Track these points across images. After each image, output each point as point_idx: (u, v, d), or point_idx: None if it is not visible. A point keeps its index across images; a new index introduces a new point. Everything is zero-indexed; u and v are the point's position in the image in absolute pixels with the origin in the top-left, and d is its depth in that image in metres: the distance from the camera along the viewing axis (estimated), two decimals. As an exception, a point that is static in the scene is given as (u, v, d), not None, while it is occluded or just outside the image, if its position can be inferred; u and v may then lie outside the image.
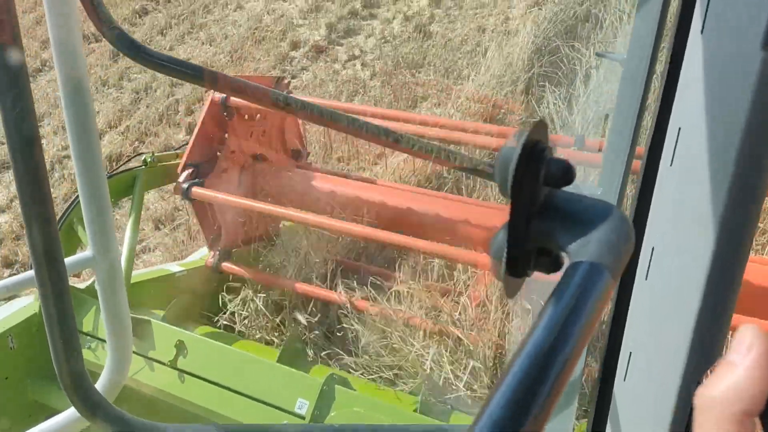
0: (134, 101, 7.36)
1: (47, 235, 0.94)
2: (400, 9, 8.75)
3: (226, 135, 3.44)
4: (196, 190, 3.23)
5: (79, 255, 1.22)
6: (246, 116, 3.49)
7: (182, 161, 3.30)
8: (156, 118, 6.94)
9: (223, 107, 3.33)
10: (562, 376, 0.37)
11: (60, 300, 0.97)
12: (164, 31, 8.71)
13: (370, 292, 3.22)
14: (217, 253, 3.46)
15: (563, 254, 0.46)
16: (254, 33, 8.35)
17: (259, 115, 3.54)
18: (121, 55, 7.73)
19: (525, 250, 0.46)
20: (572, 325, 0.38)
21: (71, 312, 1.00)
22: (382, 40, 8.09)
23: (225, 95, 3.25)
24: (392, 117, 3.90)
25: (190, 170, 3.28)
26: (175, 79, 7.29)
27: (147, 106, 7.19)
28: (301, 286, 3.28)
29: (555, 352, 0.37)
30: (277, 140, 3.78)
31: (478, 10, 8.50)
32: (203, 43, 8.41)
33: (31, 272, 1.04)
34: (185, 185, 3.23)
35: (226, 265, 3.44)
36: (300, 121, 3.93)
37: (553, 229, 0.44)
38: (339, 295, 3.18)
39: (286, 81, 3.67)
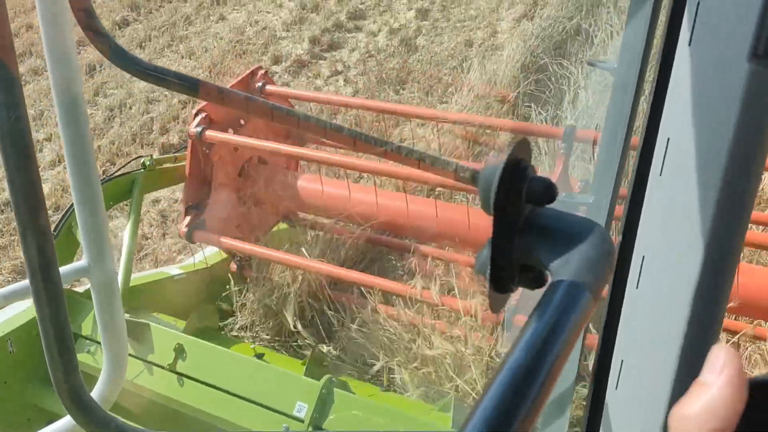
0: (108, 119, 7.00)
1: (42, 245, 0.94)
2: (386, 21, 8.49)
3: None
4: (211, 134, 3.16)
5: (74, 264, 1.22)
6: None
7: (196, 110, 3.24)
8: (129, 137, 6.59)
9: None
10: (541, 395, 0.37)
11: (55, 310, 0.97)
12: (143, 44, 8.33)
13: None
14: (195, 220, 3.32)
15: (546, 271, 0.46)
16: (235, 46, 8.10)
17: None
18: (98, 70, 7.45)
19: (509, 266, 0.46)
20: (552, 343, 0.39)
21: (66, 322, 1.01)
22: (367, 54, 7.80)
23: (200, 130, 3.19)
24: (391, 110, 3.95)
25: (204, 115, 3.21)
26: (151, 96, 7.10)
27: (121, 124, 6.84)
28: (296, 261, 3.25)
29: (534, 371, 0.38)
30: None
31: (466, 23, 8.26)
32: (183, 57, 8.06)
33: (26, 282, 1.04)
34: (198, 128, 3.16)
35: (199, 234, 3.31)
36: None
37: (536, 246, 0.45)
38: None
39: (262, 71, 3.59)
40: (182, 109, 6.86)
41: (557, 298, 0.40)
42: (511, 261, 0.46)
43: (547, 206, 0.46)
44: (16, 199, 0.92)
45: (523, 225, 0.45)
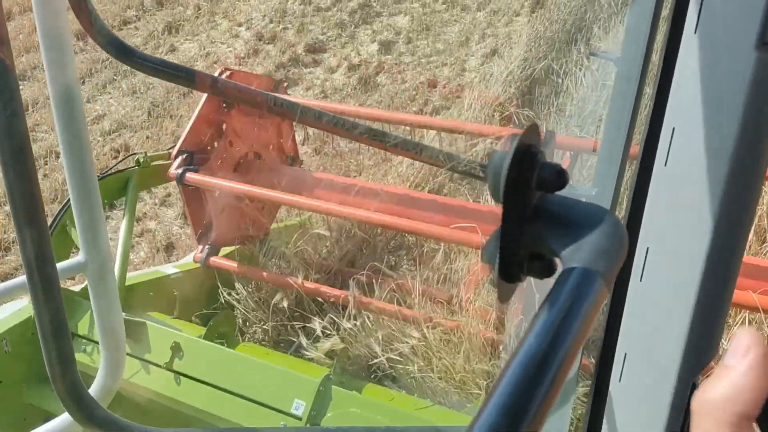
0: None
1: (39, 241, 0.93)
2: (347, 55, 7.79)
3: (224, 126, 3.39)
4: (191, 176, 3.16)
5: (71, 260, 1.21)
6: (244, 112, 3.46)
7: (176, 147, 3.23)
8: (49, 195, 5.66)
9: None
10: (556, 381, 0.37)
11: (52, 305, 0.96)
12: (85, 79, 7.53)
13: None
14: (206, 247, 3.38)
15: (556, 259, 0.45)
16: None
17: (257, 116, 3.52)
18: (32, 110, 6.77)
19: (518, 255, 0.45)
20: (565, 331, 0.38)
21: (64, 317, 0.99)
22: (322, 95, 7.14)
23: (181, 173, 3.17)
24: (387, 119, 3.92)
25: (184, 156, 3.20)
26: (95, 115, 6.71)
27: (43, 176, 5.91)
28: (296, 283, 3.26)
29: (548, 359, 0.37)
30: (275, 142, 3.77)
31: (432, 58, 7.62)
32: (124, 95, 7.34)
33: (22, 277, 1.03)
34: (179, 171, 3.16)
35: (214, 260, 3.37)
36: (293, 131, 3.90)
37: (546, 234, 0.44)
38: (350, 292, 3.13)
39: (285, 84, 3.64)
40: (114, 158, 6.13)
41: (570, 285, 0.40)
42: (520, 249, 0.45)
43: (557, 193, 0.45)
44: (12, 194, 0.91)
45: (533, 212, 0.45)
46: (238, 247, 3.63)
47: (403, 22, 8.45)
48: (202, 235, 3.43)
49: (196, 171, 3.22)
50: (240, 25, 8.65)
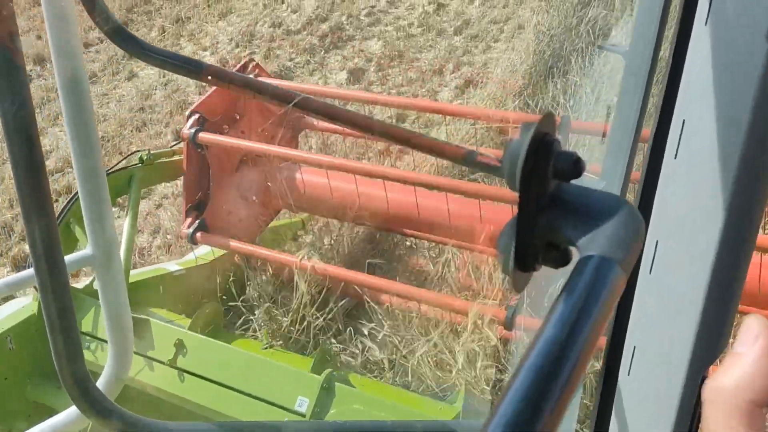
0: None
1: (47, 233, 0.93)
2: (314, 84, 7.26)
3: (238, 117, 3.38)
4: (204, 136, 3.13)
5: (79, 253, 1.22)
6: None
7: (191, 108, 3.20)
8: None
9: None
10: (575, 372, 0.36)
11: (60, 297, 0.96)
12: (39, 107, 6.88)
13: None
14: (196, 222, 3.30)
15: (572, 248, 0.45)
16: (137, 114, 6.83)
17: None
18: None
19: (533, 244, 0.45)
20: (584, 320, 0.38)
21: (72, 309, 1.00)
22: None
23: (194, 132, 3.16)
24: (404, 105, 3.94)
25: (197, 116, 3.18)
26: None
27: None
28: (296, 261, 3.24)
29: (568, 349, 0.37)
30: (279, 142, 3.76)
31: (403, 89, 7.15)
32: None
33: (30, 270, 1.03)
34: (192, 130, 3.14)
35: (202, 235, 3.29)
36: (298, 131, 3.89)
37: (562, 222, 0.44)
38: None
39: (253, 63, 3.57)
40: (56, 201, 5.68)
41: (587, 274, 0.40)
42: (535, 238, 0.45)
43: (573, 182, 0.45)
44: (20, 187, 0.92)
45: (549, 201, 0.45)
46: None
47: (376, 47, 8.04)
48: (192, 209, 3.33)
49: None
50: (205, 49, 8.11)
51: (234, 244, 3.25)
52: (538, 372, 0.36)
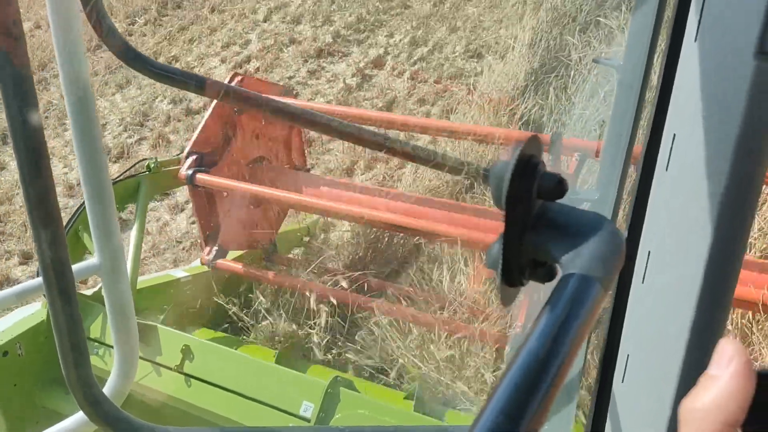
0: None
1: (55, 243, 0.95)
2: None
3: (235, 130, 3.41)
4: (201, 177, 3.18)
5: (86, 262, 1.24)
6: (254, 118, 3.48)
7: (186, 149, 3.26)
8: None
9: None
10: (554, 385, 0.38)
11: (68, 306, 0.98)
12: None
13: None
14: (214, 249, 3.40)
15: (557, 264, 0.47)
16: None
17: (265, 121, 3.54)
18: None
19: (520, 260, 0.47)
20: (564, 336, 0.40)
21: (79, 318, 1.02)
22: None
23: (191, 173, 3.20)
24: (400, 123, 3.96)
25: (194, 157, 3.23)
26: None
27: None
28: (308, 285, 3.28)
29: (547, 363, 0.38)
30: (282, 149, 3.79)
31: None
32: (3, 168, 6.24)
33: (39, 279, 1.05)
34: (189, 172, 3.19)
35: (221, 263, 3.39)
36: (302, 139, 3.92)
37: (547, 240, 0.46)
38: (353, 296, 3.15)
39: (239, 78, 3.61)
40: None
41: (569, 291, 0.41)
42: (522, 255, 0.47)
43: (557, 201, 0.47)
44: (28, 197, 0.93)
45: (534, 220, 0.46)
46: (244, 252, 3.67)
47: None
48: (209, 237, 3.44)
49: (206, 172, 3.25)
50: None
51: (252, 272, 3.39)
52: (518, 386, 0.37)
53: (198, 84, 1.03)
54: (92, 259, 1.23)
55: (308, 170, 4.09)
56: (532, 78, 5.77)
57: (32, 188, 0.94)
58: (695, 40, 0.67)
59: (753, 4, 0.60)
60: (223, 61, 7.79)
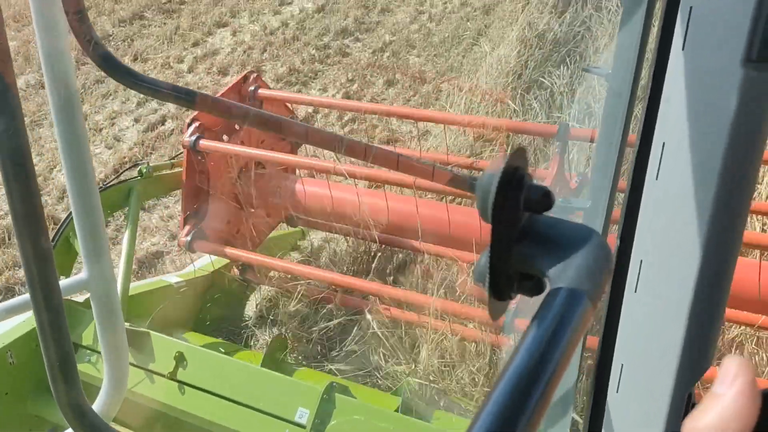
0: None
1: (42, 259, 0.94)
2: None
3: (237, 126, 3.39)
4: (205, 143, 3.14)
5: (75, 277, 1.22)
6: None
7: (190, 116, 3.22)
8: None
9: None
10: (543, 400, 0.38)
11: (56, 325, 0.97)
12: None
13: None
14: (194, 231, 3.28)
15: (545, 278, 0.46)
16: None
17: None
18: None
19: (508, 274, 0.47)
20: (552, 350, 0.39)
21: (67, 336, 1.00)
22: None
23: (194, 139, 3.17)
24: (394, 113, 3.98)
25: (197, 124, 3.19)
26: None
27: None
28: (297, 269, 3.26)
29: (536, 379, 0.38)
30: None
31: None
32: None
33: (26, 296, 1.04)
34: (192, 137, 3.14)
35: (200, 244, 3.29)
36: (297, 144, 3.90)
37: (534, 254, 0.45)
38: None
39: (254, 75, 3.58)
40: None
41: (556, 306, 0.41)
42: (509, 268, 0.46)
43: (545, 213, 0.46)
44: (15, 213, 0.92)
45: (521, 233, 0.46)
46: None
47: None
48: (189, 217, 3.31)
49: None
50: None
51: (230, 251, 3.25)
52: (506, 401, 0.37)
53: (186, 97, 1.02)
54: (81, 275, 1.21)
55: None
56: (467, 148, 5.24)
57: (19, 206, 0.93)
58: (683, 49, 0.67)
59: (739, 13, 0.60)
60: (136, 120, 6.71)
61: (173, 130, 6.51)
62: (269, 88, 3.77)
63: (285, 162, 3.36)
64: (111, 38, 8.12)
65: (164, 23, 8.61)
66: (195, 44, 8.13)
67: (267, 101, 3.56)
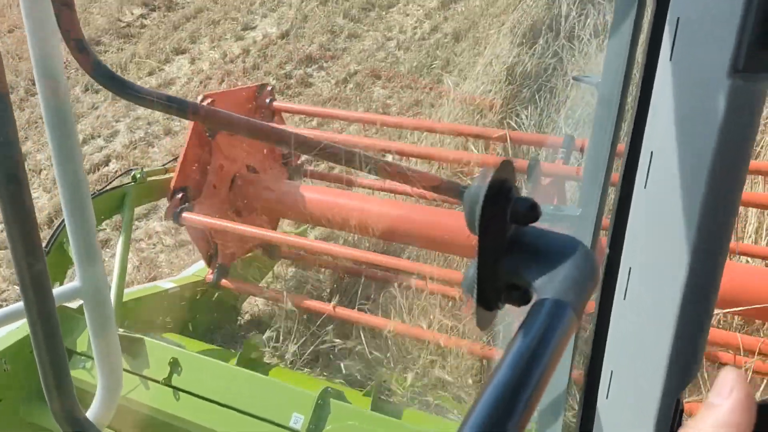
0: None
1: (35, 267, 0.94)
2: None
3: (210, 156, 3.44)
4: (187, 216, 3.24)
5: (68, 285, 1.22)
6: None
7: (171, 184, 3.29)
8: None
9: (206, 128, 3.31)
10: (527, 408, 0.38)
11: (49, 333, 0.97)
12: None
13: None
14: (216, 269, 3.49)
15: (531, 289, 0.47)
16: None
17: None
18: None
19: (495, 284, 0.47)
20: (537, 360, 0.40)
21: (61, 344, 1.01)
22: None
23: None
24: (404, 125, 4.04)
25: (180, 195, 3.28)
26: None
27: None
28: (303, 302, 3.32)
29: (520, 388, 0.39)
30: (269, 154, 3.79)
31: None
32: None
33: (19, 304, 1.04)
34: (176, 210, 3.25)
35: (225, 282, 3.48)
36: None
37: (521, 265, 0.46)
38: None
39: (269, 88, 3.67)
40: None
41: (542, 316, 0.41)
42: (497, 279, 0.47)
43: (532, 224, 0.47)
44: (7, 222, 0.92)
45: (509, 243, 0.47)
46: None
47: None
48: (211, 257, 3.51)
49: (190, 210, 3.27)
50: None
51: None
52: (492, 410, 0.37)
53: (182, 108, 1.02)
54: (74, 283, 1.21)
55: (305, 173, 4.03)
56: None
57: (12, 216, 0.92)
58: (670, 60, 0.67)
59: (726, 24, 0.61)
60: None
61: (117, 170, 6.03)
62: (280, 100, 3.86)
63: (265, 238, 3.40)
64: (65, 65, 7.98)
65: (121, 49, 8.14)
66: (150, 73, 7.61)
67: (280, 113, 3.66)
